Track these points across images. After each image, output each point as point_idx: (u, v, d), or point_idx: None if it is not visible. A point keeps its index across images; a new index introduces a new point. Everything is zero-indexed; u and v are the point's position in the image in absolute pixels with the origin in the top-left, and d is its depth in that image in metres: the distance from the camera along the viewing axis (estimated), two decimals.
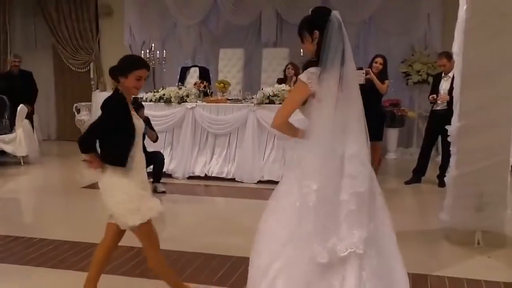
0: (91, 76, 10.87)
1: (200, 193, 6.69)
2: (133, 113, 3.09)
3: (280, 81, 8.02)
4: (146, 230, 3.09)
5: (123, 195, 2.99)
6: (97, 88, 10.57)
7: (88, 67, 10.90)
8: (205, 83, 7.70)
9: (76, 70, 10.90)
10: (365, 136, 2.60)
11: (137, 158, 3.05)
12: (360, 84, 6.55)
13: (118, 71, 3.03)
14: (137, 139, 3.05)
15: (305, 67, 2.63)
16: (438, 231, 4.75)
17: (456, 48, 4.54)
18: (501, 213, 4.42)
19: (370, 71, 6.46)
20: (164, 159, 6.63)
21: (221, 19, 9.97)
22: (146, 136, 6.23)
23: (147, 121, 6.14)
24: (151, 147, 6.40)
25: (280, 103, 7.03)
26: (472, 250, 4.34)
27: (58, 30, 10.78)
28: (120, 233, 3.23)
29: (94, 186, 6.81)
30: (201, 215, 5.66)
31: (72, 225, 5.16)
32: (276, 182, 6.68)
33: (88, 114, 10.54)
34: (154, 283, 3.47)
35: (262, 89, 7.22)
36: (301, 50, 8.04)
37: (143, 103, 7.59)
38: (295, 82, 7.75)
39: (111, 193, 3.02)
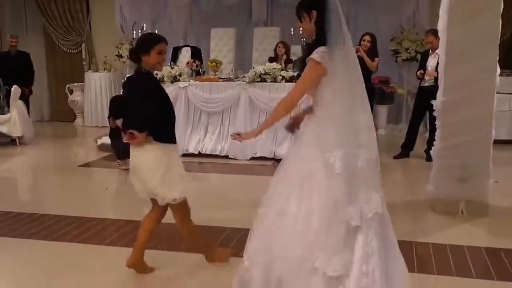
0: (83, 56, 10.93)
1: (194, 170, 6.84)
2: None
3: (271, 59, 8.11)
4: (182, 204, 3.30)
5: (166, 171, 3.15)
6: (90, 69, 10.65)
7: (80, 48, 10.94)
8: (197, 62, 7.80)
9: (68, 51, 10.93)
10: (369, 104, 2.76)
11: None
12: None
13: (140, 50, 3.11)
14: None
15: (310, 48, 2.72)
16: (424, 201, 4.96)
17: (441, 26, 4.67)
18: (484, 183, 4.63)
19: (360, 49, 6.58)
20: None
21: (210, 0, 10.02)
22: None
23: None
24: None
25: (272, 81, 7.18)
26: (456, 218, 4.56)
27: (48, 10, 10.78)
28: (165, 207, 3.35)
29: (90, 164, 7.09)
30: (196, 191, 5.80)
31: (72, 201, 5.30)
32: (268, 159, 6.91)
33: (81, 94, 10.64)
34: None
35: (253, 68, 7.35)
36: (292, 30, 8.19)
37: None
38: (285, 60, 7.90)
39: (155, 170, 3.13)
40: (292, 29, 8.21)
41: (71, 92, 10.66)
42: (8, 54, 8.72)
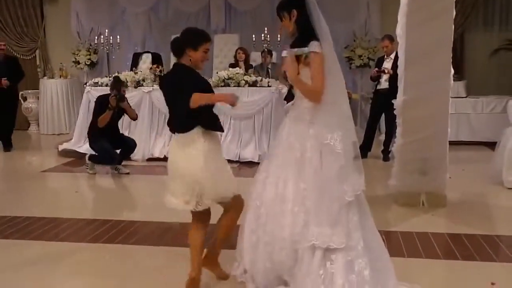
0: (37, 63, 10.72)
1: (160, 174, 6.89)
2: None
3: (232, 65, 8.29)
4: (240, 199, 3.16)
5: (218, 164, 3.03)
6: (45, 75, 10.46)
7: (34, 54, 10.73)
8: (160, 67, 7.88)
9: (22, 57, 10.69)
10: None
11: None
12: None
13: (188, 43, 3.00)
14: None
15: (293, 46, 2.93)
16: (386, 196, 5.26)
17: (399, 30, 5.01)
18: (442, 176, 4.99)
19: None
20: (135, 146, 6.82)
21: (170, 6, 10.11)
22: (125, 114, 6.58)
23: (125, 99, 6.45)
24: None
25: (235, 86, 7.36)
26: (417, 210, 4.88)
27: (1, 16, 10.52)
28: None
29: (53, 169, 6.98)
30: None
31: (42, 203, 5.27)
32: (234, 161, 7.02)
33: (36, 101, 10.42)
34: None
35: (217, 73, 7.51)
36: (253, 36, 8.40)
37: (99, 87, 7.71)
38: (245, 66, 8.10)
39: (207, 164, 2.95)
40: (253, 36, 8.45)
41: (25, 99, 10.42)
42: None
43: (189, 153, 2.97)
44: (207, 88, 3.07)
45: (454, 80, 7.90)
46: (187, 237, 3.17)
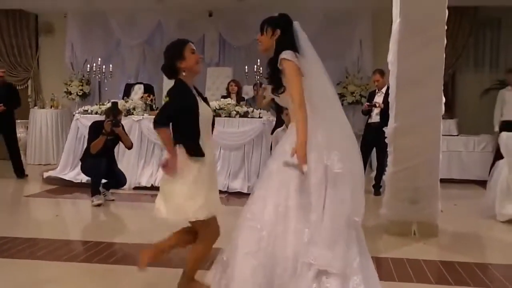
0: (29, 93, 10.68)
1: (147, 202, 6.73)
2: (199, 99, 3.01)
3: (224, 97, 8.29)
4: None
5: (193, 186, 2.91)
6: (35, 105, 10.40)
7: (26, 84, 10.70)
8: (151, 96, 7.84)
9: None
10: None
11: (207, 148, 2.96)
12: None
13: (174, 58, 2.95)
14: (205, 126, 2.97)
15: (271, 62, 2.85)
16: (377, 226, 5.12)
17: (391, 58, 5.02)
18: (434, 205, 4.88)
19: None
20: (125, 183, 6.62)
21: (164, 39, 10.17)
22: (121, 142, 6.38)
23: (120, 125, 6.25)
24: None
25: (226, 116, 7.31)
26: (409, 239, 4.75)
27: None
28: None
29: (37, 195, 6.80)
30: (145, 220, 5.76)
31: (22, 225, 5.09)
32: (223, 192, 6.85)
33: (25, 131, 10.30)
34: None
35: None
36: (246, 68, 8.42)
37: (88, 115, 7.64)
38: (237, 99, 8.08)
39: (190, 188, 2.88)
40: (246, 68, 8.48)
41: None
42: None
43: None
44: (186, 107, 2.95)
45: (445, 118, 8.00)
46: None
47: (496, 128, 8.15)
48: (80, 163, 6.61)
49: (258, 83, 8.24)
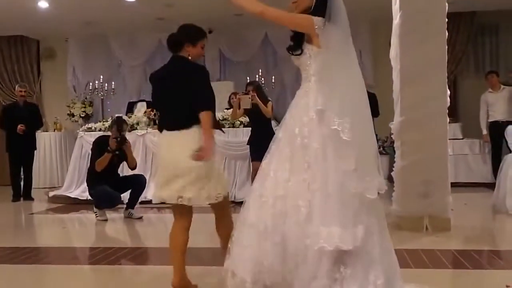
0: None
1: (151, 214, 6.67)
2: None
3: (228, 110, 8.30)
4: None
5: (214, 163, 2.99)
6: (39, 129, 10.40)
7: None
8: (154, 111, 7.84)
9: None
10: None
11: None
12: (248, 109, 6.52)
13: (187, 39, 3.02)
14: None
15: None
16: (388, 223, 5.00)
17: (393, 53, 5.04)
18: (445, 198, 4.81)
19: (256, 96, 6.15)
20: (145, 181, 6.27)
21: (166, 58, 10.13)
22: (126, 161, 6.11)
23: (127, 142, 5.97)
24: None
25: (229, 127, 7.30)
26: (421, 233, 4.67)
27: None
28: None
29: (42, 212, 6.74)
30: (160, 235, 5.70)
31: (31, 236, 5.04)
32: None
33: None
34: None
35: None
36: (252, 79, 8.44)
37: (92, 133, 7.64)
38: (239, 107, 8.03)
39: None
40: (248, 79, 8.49)
41: None
42: (16, 105, 8.15)
43: (189, 148, 2.83)
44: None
45: (449, 123, 7.97)
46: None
47: (485, 131, 8.16)
48: (87, 187, 6.30)
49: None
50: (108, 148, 5.75)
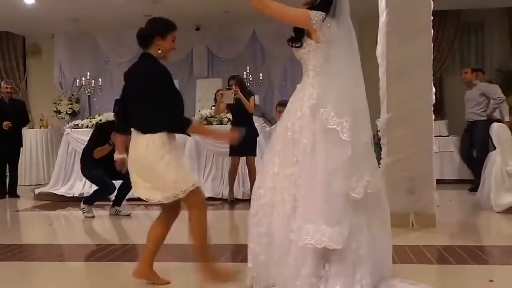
0: None
1: (139, 210, 6.65)
2: None
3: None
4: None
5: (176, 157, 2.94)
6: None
7: None
8: None
9: None
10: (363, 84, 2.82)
11: None
12: (231, 104, 6.50)
13: (156, 32, 2.93)
14: None
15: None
16: None
17: (380, 50, 5.08)
18: (430, 194, 4.86)
19: (238, 91, 6.23)
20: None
21: None
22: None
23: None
24: None
25: (217, 124, 7.30)
26: (407, 229, 4.70)
27: None
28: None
29: (28, 209, 6.68)
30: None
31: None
32: (217, 199, 6.80)
33: None
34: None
35: (199, 111, 7.47)
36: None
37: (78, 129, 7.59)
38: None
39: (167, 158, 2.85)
40: None
41: None
42: (2, 102, 7.91)
43: (151, 150, 2.85)
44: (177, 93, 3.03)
45: (435, 120, 8.02)
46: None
47: None
48: (80, 164, 6.17)
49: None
50: (110, 141, 5.73)
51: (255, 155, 6.51)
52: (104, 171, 5.84)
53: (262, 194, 2.70)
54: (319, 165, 2.56)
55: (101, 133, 5.92)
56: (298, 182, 2.61)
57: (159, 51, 2.96)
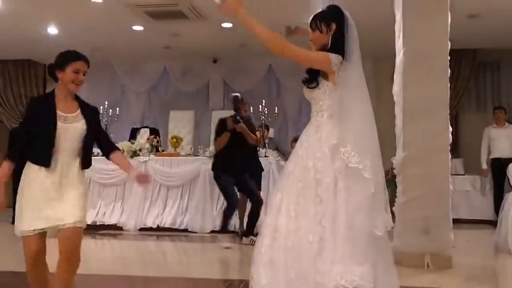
0: None
1: (150, 241, 6.64)
2: (62, 114, 2.93)
3: None
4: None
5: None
6: None
7: None
8: (157, 138, 7.89)
9: None
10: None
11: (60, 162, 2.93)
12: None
13: (55, 66, 2.95)
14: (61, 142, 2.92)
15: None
16: None
17: (396, 89, 5.09)
18: (447, 235, 4.78)
19: (242, 123, 6.08)
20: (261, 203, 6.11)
21: (170, 86, 10.37)
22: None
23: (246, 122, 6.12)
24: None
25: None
26: (423, 270, 4.62)
27: (3, 94, 10.71)
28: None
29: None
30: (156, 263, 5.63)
31: None
32: (230, 232, 6.74)
33: None
34: None
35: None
36: (255, 108, 8.49)
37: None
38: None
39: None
40: (251, 109, 8.54)
41: None
42: None
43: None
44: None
45: (451, 158, 7.98)
46: None
47: (484, 166, 8.13)
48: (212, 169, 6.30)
49: (263, 124, 8.20)
50: (227, 127, 5.98)
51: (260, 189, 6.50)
52: (236, 161, 6.06)
53: (283, 237, 2.62)
54: (341, 203, 2.57)
55: (220, 125, 6.13)
56: (323, 222, 2.59)
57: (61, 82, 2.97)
